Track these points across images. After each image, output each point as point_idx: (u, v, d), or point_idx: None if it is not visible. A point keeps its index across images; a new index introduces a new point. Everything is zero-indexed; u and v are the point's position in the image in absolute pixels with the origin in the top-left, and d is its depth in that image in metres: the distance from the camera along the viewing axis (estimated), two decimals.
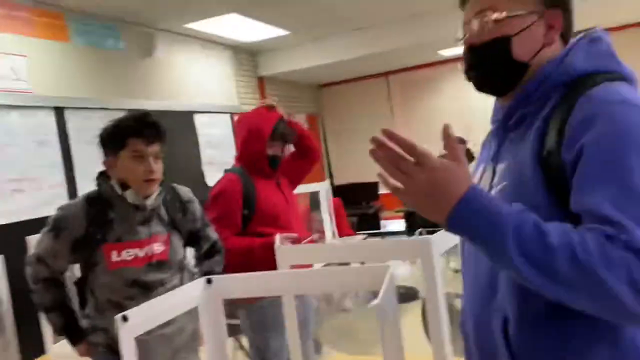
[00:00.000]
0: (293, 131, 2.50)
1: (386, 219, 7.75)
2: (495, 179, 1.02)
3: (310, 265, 2.38)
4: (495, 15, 0.99)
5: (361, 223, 6.22)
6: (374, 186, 7.47)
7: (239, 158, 2.45)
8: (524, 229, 0.79)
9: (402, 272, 4.92)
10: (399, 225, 7.76)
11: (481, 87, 1.05)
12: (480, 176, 1.10)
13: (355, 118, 8.10)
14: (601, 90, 0.89)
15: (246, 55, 6.17)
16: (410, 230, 7.31)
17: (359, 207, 7.17)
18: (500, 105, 1.08)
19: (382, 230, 7.62)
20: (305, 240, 2.33)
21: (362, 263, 1.93)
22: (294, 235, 2.29)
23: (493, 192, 1.01)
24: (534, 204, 0.87)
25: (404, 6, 5.19)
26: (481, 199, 0.83)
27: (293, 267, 1.63)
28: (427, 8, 5.40)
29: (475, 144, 7.23)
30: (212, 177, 4.79)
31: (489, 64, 1.01)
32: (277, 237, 2.08)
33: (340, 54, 6.04)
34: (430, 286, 1.42)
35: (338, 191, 7.47)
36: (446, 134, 0.86)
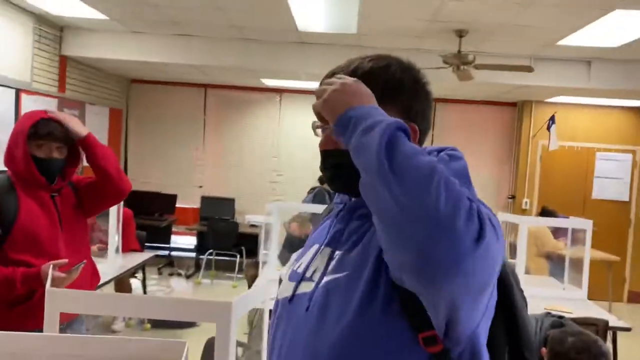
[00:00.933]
0: (66, 130, 2.03)
1: (177, 234, 7.43)
2: (332, 266, 0.99)
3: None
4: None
5: (151, 235, 5.82)
6: (172, 198, 7.11)
7: (6, 164, 2.01)
8: (405, 137, 0.84)
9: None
10: (190, 241, 7.51)
11: (337, 189, 1.06)
12: (314, 255, 1.05)
13: (165, 122, 7.66)
14: None
15: (50, 28, 5.39)
16: (200, 250, 7.12)
17: (151, 218, 6.72)
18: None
19: (171, 245, 7.26)
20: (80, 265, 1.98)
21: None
22: (63, 261, 1.90)
23: (326, 278, 0.98)
24: (371, 299, 0.90)
25: (235, 29, 5.11)
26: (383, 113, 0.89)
27: (63, 315, 1.37)
28: (258, 36, 5.41)
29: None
30: None
31: (343, 172, 0.99)
32: (49, 268, 1.73)
33: (159, 56, 5.66)
34: (221, 355, 1.30)
35: (131, 197, 6.92)
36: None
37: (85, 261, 2.01)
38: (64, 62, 5.73)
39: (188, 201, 7.55)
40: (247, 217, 7.47)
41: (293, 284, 1.05)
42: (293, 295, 1.03)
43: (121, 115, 7.54)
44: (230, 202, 7.37)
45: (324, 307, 0.95)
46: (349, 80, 0.93)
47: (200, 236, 7.13)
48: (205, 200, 7.40)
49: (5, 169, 2.04)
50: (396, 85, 1.00)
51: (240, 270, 6.83)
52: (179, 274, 6.95)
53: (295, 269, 1.09)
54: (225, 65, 5.71)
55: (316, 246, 1.08)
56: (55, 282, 1.88)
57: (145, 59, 5.70)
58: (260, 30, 5.15)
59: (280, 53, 5.58)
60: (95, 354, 1.10)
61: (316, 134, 1.04)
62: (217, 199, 7.41)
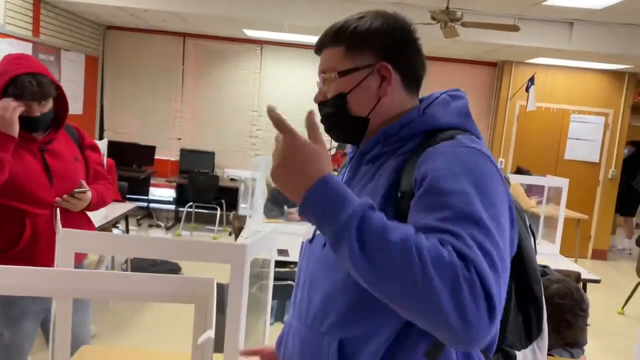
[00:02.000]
0: (49, 87, 1.95)
1: (155, 186, 7.38)
2: None
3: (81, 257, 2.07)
4: (330, 77, 1.06)
5: (130, 187, 5.77)
6: (150, 150, 7.02)
7: None
8: (371, 219, 0.81)
9: None
10: (168, 193, 7.48)
11: (336, 139, 1.12)
12: None
13: (143, 72, 7.46)
14: (456, 140, 0.97)
15: None
16: (179, 202, 7.11)
17: (129, 169, 6.65)
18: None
19: (150, 197, 7.22)
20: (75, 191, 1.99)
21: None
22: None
23: None
24: None
25: None
26: (338, 185, 0.86)
27: (77, 255, 1.39)
28: None
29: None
30: None
31: (332, 121, 1.08)
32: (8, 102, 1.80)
33: (139, 1, 5.47)
34: (235, 296, 1.35)
35: (109, 148, 6.80)
36: (311, 121, 0.89)
37: (87, 188, 2.01)
38: (37, 4, 5.48)
39: (166, 153, 7.47)
40: (227, 170, 7.46)
41: (313, 227, 1.12)
42: (313, 237, 1.12)
43: (97, 62, 7.31)
44: (209, 155, 7.32)
45: None
46: (294, 142, 0.88)
47: (180, 189, 7.10)
48: (184, 152, 7.34)
49: None
50: (367, 29, 1.04)
51: (221, 223, 6.87)
52: (159, 226, 6.95)
53: None
54: (208, 13, 5.55)
55: None
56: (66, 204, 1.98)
57: (124, 4, 5.49)
58: None
59: (265, 3, 5.45)
60: (125, 289, 1.13)
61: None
62: (196, 152, 7.35)
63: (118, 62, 7.46)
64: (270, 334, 1.63)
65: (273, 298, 3.74)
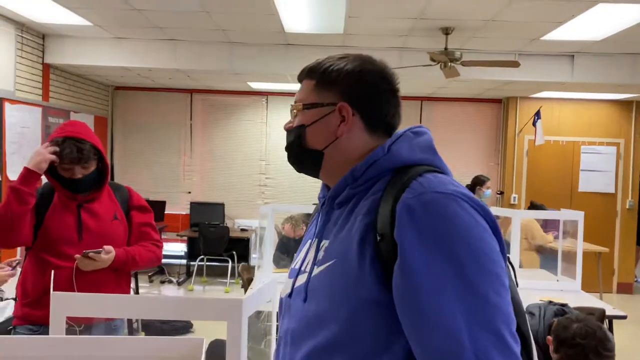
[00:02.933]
0: (88, 152, 2.10)
1: (167, 240, 7.35)
2: (320, 256, 1.03)
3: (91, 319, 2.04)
4: (296, 107, 1.10)
5: None
6: (161, 205, 7.04)
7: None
8: None
9: None
10: (180, 248, 7.44)
11: (295, 168, 1.15)
12: (307, 251, 1.11)
13: (151, 129, 7.59)
14: (425, 180, 0.94)
15: (32, 36, 5.31)
16: (191, 256, 7.06)
17: None
18: (325, 185, 1.14)
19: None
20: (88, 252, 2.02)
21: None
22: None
23: (316, 269, 1.02)
24: (361, 284, 0.92)
25: (221, 32, 5.08)
26: None
27: (70, 319, 1.34)
28: (244, 39, 5.39)
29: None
30: None
31: (291, 150, 1.12)
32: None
33: (144, 61, 5.61)
34: (234, 354, 1.28)
35: None
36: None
37: (101, 250, 2.06)
38: (47, 70, 5.65)
39: (177, 207, 7.48)
40: (237, 221, 7.44)
41: (292, 280, 1.11)
42: (292, 290, 1.08)
43: (106, 122, 7.45)
44: (219, 207, 7.32)
45: (318, 296, 0.99)
46: None
47: (191, 242, 7.07)
48: (194, 206, 7.35)
49: None
50: (339, 69, 1.07)
51: (233, 275, 6.78)
52: (170, 281, 6.88)
53: (293, 266, 1.15)
54: (211, 69, 5.67)
55: (309, 241, 1.14)
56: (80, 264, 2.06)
57: (129, 64, 5.64)
58: (245, 32, 5.13)
59: (266, 55, 5.57)
60: (114, 354, 1.08)
61: None
62: (206, 204, 7.36)
63: (127, 120, 7.61)
64: None
65: None
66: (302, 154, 1.10)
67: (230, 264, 6.69)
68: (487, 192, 5.18)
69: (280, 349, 1.09)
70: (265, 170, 7.63)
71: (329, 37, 5.10)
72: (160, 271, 7.06)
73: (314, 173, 1.12)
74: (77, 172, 2.07)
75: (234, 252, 6.72)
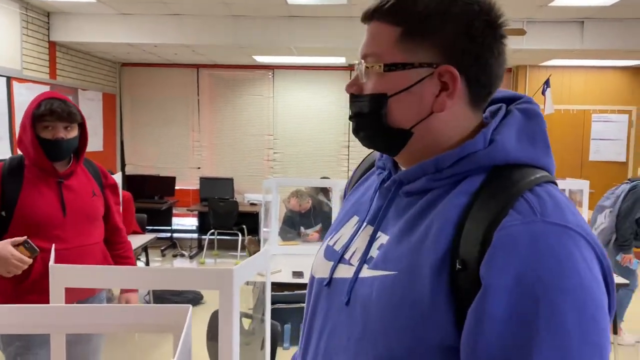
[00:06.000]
0: (75, 113, 2.00)
1: (178, 215, 7.46)
2: (375, 254, 0.81)
3: (93, 291, 2.08)
4: (373, 67, 0.78)
5: (152, 219, 5.85)
6: (171, 181, 7.12)
7: (18, 147, 2.03)
8: None
9: None
10: (191, 222, 7.55)
11: (365, 144, 0.85)
12: (354, 232, 0.88)
13: (159, 105, 7.63)
14: (537, 200, 0.70)
15: (37, 14, 5.32)
16: (201, 230, 7.16)
17: (151, 201, 6.74)
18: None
19: (173, 227, 7.30)
20: None
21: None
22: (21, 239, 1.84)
23: (366, 271, 0.80)
24: (426, 315, 0.70)
25: (225, 5, 5.05)
26: None
27: (68, 290, 1.39)
28: (248, 12, 5.36)
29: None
30: None
31: (364, 124, 0.81)
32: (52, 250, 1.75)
33: (150, 37, 5.61)
34: (225, 323, 1.33)
35: (130, 182, 6.94)
36: None
37: (37, 249, 1.88)
38: (53, 48, 5.68)
39: (187, 183, 7.56)
40: (246, 195, 7.50)
41: (330, 264, 0.88)
42: (330, 279, 0.87)
43: (115, 99, 7.50)
44: (228, 181, 7.38)
45: (368, 311, 0.77)
46: None
47: (201, 217, 7.16)
48: (204, 181, 7.42)
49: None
50: (441, 11, 0.75)
51: (243, 249, 6.88)
52: (182, 255, 7.00)
53: (331, 244, 0.92)
54: (216, 43, 5.66)
55: (356, 219, 0.90)
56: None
57: (135, 40, 5.65)
58: (249, 5, 5.10)
59: (271, 28, 5.53)
60: (99, 322, 1.13)
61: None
62: (215, 179, 7.43)
63: (135, 97, 7.65)
64: None
65: (287, 322, 3.71)
66: (381, 131, 0.80)
67: (240, 238, 6.79)
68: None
69: (313, 336, 0.90)
70: (273, 145, 7.65)
71: (332, 8, 5.04)
72: (172, 245, 7.19)
73: (392, 153, 0.83)
74: (61, 132, 1.94)
75: (244, 226, 6.80)
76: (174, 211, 7.31)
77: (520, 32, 4.52)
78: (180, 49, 6.18)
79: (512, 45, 4.35)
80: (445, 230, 0.72)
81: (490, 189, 0.72)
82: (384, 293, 0.75)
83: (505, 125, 0.78)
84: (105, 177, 2.21)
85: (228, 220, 6.69)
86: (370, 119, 0.80)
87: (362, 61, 0.80)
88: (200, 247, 7.16)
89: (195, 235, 7.38)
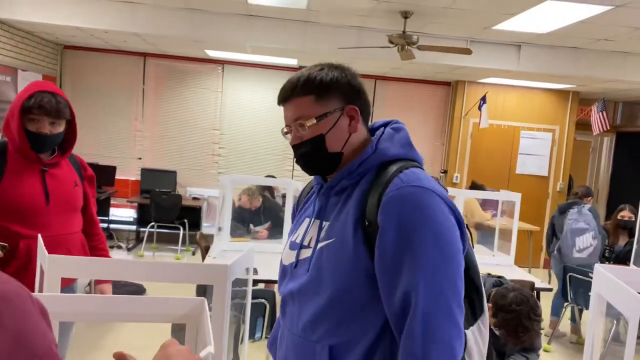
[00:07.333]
0: (64, 108, 2.03)
1: (115, 206, 7.28)
2: (322, 234, 1.26)
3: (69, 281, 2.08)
4: (309, 123, 1.23)
5: None
6: (111, 170, 6.94)
7: (3, 132, 2.02)
8: None
9: None
10: (129, 214, 7.39)
11: (311, 173, 1.32)
12: (307, 227, 1.33)
13: (102, 91, 7.40)
14: (404, 176, 1.18)
15: None
16: (140, 222, 7.04)
17: None
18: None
19: (110, 218, 7.12)
20: None
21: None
22: None
23: (319, 245, 1.26)
24: (354, 257, 1.18)
25: None
26: None
27: (64, 280, 1.43)
28: (207, 7, 5.35)
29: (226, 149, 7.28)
30: None
31: (311, 158, 1.27)
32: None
33: (101, 22, 5.46)
34: (219, 315, 1.42)
35: None
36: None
37: (6, 245, 1.90)
38: None
39: (127, 173, 7.39)
40: (189, 189, 7.45)
41: (295, 252, 1.32)
42: (297, 261, 1.31)
43: (54, 82, 7.19)
44: (171, 174, 7.30)
45: (321, 267, 1.23)
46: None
47: (141, 208, 7.04)
48: (145, 172, 7.28)
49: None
50: (331, 79, 1.24)
51: (184, 243, 6.84)
52: (119, 247, 6.85)
53: (293, 239, 1.36)
54: (170, 34, 5.60)
55: (307, 220, 1.34)
56: None
57: (85, 24, 5.47)
58: (208, 0, 5.10)
59: (228, 24, 5.55)
60: (119, 311, 1.20)
61: (287, 139, 1.30)
62: (157, 171, 7.31)
63: (77, 81, 7.37)
64: (248, 351, 1.68)
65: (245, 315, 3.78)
66: (325, 159, 1.26)
67: (181, 232, 6.74)
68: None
69: (288, 305, 1.32)
70: (218, 140, 7.63)
71: (292, 11, 5.15)
72: (109, 236, 7.01)
73: (330, 172, 1.28)
74: (46, 127, 1.97)
75: (185, 220, 6.76)
76: (112, 201, 7.13)
77: (467, 52, 4.84)
78: (130, 37, 6.05)
79: (456, 62, 4.66)
80: (358, 206, 1.20)
81: (379, 177, 1.21)
82: (329, 253, 1.22)
83: (384, 139, 1.26)
84: (84, 169, 2.22)
85: (170, 213, 6.62)
86: (316, 153, 1.26)
87: (295, 124, 1.25)
88: (138, 240, 7.03)
89: (133, 227, 7.24)
